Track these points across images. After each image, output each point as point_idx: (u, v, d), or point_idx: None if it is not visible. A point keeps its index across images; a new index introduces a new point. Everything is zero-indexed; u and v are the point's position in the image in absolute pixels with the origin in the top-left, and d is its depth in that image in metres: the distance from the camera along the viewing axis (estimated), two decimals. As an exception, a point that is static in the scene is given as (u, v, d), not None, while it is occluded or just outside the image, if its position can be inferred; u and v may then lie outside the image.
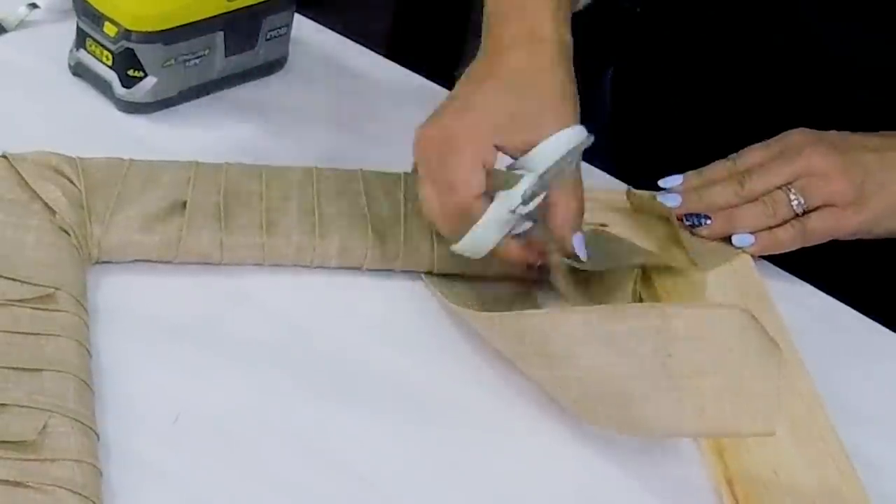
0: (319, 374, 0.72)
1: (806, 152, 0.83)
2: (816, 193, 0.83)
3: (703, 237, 0.84)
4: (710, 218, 0.84)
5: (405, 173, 0.82)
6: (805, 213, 0.83)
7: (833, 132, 0.85)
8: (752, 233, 0.84)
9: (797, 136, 0.85)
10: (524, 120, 0.75)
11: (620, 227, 0.84)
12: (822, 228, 0.83)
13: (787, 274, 0.87)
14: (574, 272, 0.76)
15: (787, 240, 0.84)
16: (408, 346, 0.75)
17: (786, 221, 0.84)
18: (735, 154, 0.86)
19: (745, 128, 0.89)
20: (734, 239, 0.84)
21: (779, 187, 0.83)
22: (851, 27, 0.90)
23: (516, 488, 0.68)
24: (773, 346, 0.65)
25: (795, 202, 0.83)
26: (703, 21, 0.99)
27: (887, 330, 0.85)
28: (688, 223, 0.84)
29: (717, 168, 0.86)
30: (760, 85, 0.95)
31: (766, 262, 0.86)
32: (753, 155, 0.85)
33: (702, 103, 0.99)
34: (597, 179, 0.92)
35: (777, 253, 0.85)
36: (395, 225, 0.78)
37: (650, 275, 0.80)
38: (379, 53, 1.00)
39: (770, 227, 0.84)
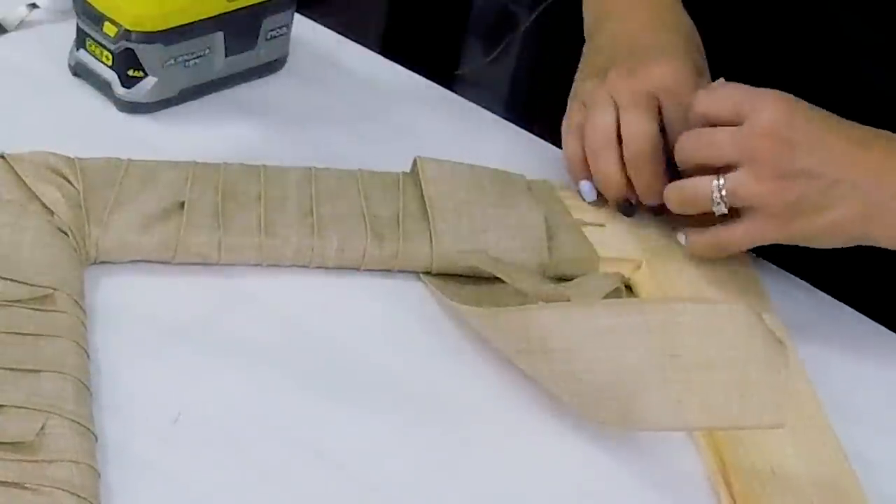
0: (318, 374, 0.72)
1: (761, 123, 0.77)
2: (742, 195, 0.77)
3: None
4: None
5: (403, 173, 0.82)
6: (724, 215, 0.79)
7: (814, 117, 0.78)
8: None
9: (769, 114, 0.77)
10: None
11: (617, 228, 0.84)
12: (737, 240, 0.80)
13: (787, 274, 0.87)
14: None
15: (700, 249, 0.82)
16: (406, 345, 0.75)
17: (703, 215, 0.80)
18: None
19: None
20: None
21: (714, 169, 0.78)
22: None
23: (516, 487, 0.68)
24: (777, 341, 0.66)
25: (717, 204, 0.78)
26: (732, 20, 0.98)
27: (887, 330, 0.85)
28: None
29: None
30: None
31: (766, 262, 0.86)
32: (717, 97, 0.80)
33: None
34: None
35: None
36: (394, 225, 0.78)
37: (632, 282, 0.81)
38: (379, 54, 1.00)
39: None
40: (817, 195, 0.77)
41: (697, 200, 0.79)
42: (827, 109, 0.80)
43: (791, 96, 0.79)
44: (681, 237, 0.83)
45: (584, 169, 0.85)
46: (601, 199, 0.85)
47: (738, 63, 0.90)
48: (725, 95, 0.80)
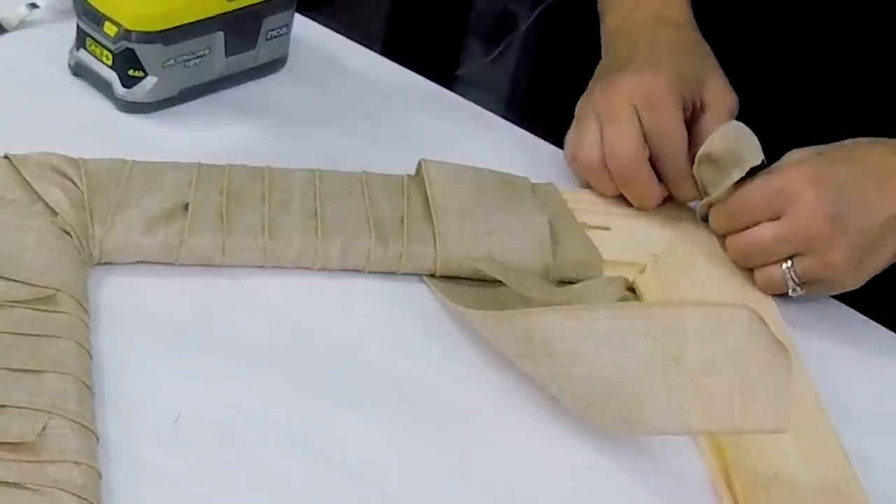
0: (320, 376, 0.72)
1: (803, 213, 0.79)
2: (813, 275, 0.81)
3: None
4: None
5: (408, 176, 0.82)
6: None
7: (829, 172, 0.80)
8: None
9: (794, 179, 0.80)
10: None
11: (621, 230, 0.84)
12: (811, 295, 0.83)
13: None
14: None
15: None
16: (409, 347, 0.75)
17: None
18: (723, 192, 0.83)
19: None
20: None
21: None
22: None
23: (516, 488, 0.68)
24: (780, 345, 0.66)
25: (794, 290, 0.81)
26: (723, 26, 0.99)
27: (887, 330, 0.85)
28: None
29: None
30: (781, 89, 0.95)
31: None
32: (748, 199, 0.81)
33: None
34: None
35: None
36: (398, 227, 0.78)
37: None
38: (380, 54, 1.00)
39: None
40: (871, 243, 0.80)
41: (773, 288, 0.82)
42: (803, 116, 0.85)
43: (806, 162, 0.81)
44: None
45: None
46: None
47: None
48: (755, 194, 0.81)
